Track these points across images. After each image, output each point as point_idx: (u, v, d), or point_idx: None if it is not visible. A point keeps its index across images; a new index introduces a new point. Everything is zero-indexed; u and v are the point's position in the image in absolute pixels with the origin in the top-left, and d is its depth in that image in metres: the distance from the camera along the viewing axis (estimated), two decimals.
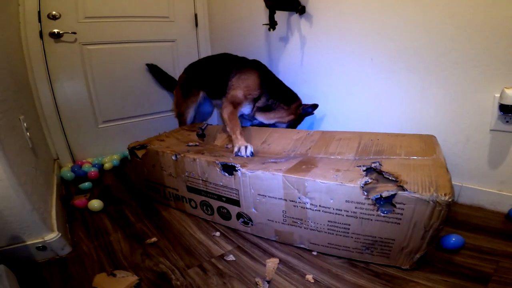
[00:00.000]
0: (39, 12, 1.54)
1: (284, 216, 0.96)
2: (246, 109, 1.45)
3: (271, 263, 0.92)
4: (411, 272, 0.83)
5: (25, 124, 1.13)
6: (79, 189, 1.48)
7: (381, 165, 0.88)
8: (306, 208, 0.90)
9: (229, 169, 1.01)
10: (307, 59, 1.55)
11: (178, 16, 2.00)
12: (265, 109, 1.46)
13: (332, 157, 1.04)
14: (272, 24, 1.46)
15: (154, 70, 1.99)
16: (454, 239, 0.90)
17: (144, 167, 1.29)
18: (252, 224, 1.06)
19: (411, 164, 0.88)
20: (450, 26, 1.07)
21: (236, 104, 1.38)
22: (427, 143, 1.03)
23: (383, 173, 0.83)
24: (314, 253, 0.95)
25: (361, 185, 0.78)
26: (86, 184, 1.48)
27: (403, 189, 0.74)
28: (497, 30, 0.97)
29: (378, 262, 0.86)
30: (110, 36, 1.78)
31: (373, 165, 0.88)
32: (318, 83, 1.56)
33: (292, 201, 0.91)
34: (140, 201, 1.36)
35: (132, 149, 1.31)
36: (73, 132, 1.79)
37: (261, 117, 1.48)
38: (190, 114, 1.77)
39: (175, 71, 2.05)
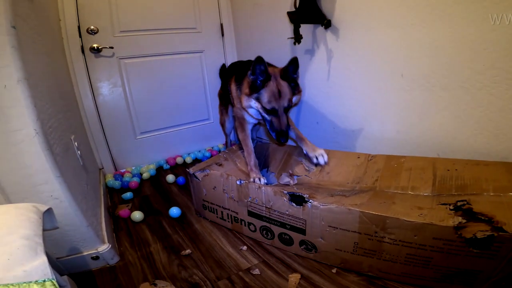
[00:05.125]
0: (79, 27, 1.60)
1: (355, 247, 0.95)
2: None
3: (294, 278, 0.99)
4: None
5: (76, 144, 1.25)
6: (121, 199, 1.62)
7: (469, 204, 0.83)
8: (383, 241, 0.88)
9: (298, 200, 1.00)
10: (334, 73, 1.53)
11: (205, 26, 2.02)
12: None
13: (406, 192, 0.99)
14: (297, 38, 1.45)
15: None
16: None
17: (203, 187, 1.29)
18: (316, 252, 1.06)
19: (504, 202, 0.82)
20: (488, 43, 0.99)
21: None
22: None
23: (476, 213, 0.80)
24: (334, 270, 1.00)
25: (455, 225, 0.77)
26: (128, 194, 1.62)
27: (503, 231, 0.72)
28: None
29: None
30: (144, 49, 1.84)
31: (458, 203, 0.85)
32: (344, 97, 1.53)
33: (368, 234, 0.90)
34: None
35: (193, 173, 1.29)
36: (115, 143, 1.91)
37: None
38: (226, 125, 1.87)
39: (204, 82, 2.11)
